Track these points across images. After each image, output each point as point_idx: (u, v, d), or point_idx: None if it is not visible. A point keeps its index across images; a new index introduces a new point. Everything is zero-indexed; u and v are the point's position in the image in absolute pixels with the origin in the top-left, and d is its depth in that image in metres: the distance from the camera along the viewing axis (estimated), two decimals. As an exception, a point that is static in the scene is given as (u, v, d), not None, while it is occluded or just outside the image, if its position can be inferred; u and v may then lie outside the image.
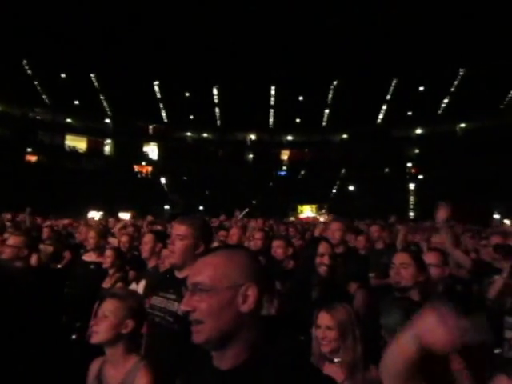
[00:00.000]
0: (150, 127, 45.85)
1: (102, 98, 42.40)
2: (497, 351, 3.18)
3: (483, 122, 37.66)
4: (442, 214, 3.90)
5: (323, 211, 33.44)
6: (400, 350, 1.11)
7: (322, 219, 23.25)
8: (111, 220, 10.73)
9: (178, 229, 2.26)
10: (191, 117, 45.43)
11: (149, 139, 45.92)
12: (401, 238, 4.96)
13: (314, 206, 35.63)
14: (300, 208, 35.81)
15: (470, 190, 29.82)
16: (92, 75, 40.72)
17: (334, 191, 40.45)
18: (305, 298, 2.77)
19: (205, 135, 47.69)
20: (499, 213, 26.61)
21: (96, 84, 41.38)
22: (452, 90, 40.28)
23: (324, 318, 2.11)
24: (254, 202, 37.25)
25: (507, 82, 36.60)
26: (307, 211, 35.11)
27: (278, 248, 4.04)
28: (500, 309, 3.40)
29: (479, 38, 32.64)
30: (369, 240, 5.11)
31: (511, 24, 30.89)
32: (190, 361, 1.27)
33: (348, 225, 4.28)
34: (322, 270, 2.83)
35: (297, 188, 38.16)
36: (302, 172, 43.87)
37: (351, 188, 38.92)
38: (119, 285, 3.78)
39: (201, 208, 26.37)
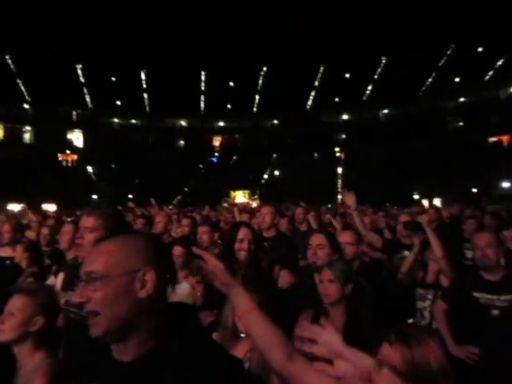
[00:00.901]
0: (74, 113, 43.60)
1: (18, 81, 39.56)
2: (410, 321, 3.43)
3: (404, 108, 39.89)
4: (349, 200, 4.16)
5: (256, 196, 33.78)
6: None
7: (254, 204, 23.46)
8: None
9: (87, 221, 2.15)
10: (118, 102, 43.73)
11: (73, 126, 43.67)
12: (313, 220, 5.16)
13: (246, 192, 35.86)
14: (233, 194, 35.90)
15: (392, 173, 31.56)
16: (7, 57, 37.92)
17: (266, 176, 41.00)
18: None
19: (133, 121, 46.14)
20: (419, 194, 28.48)
21: (12, 66, 38.60)
22: (375, 77, 42.13)
23: None
24: (186, 189, 36.84)
25: (425, 70, 39.02)
26: (240, 197, 35.27)
27: (203, 234, 4.03)
28: (412, 282, 3.66)
29: (400, 29, 34.42)
30: (291, 222, 5.23)
31: (430, 17, 32.92)
32: (91, 356, 1.20)
33: (278, 209, 4.35)
34: (241, 255, 2.85)
35: (229, 174, 38.19)
36: (234, 158, 43.96)
37: (282, 173, 39.61)
38: (29, 279, 3.57)
39: (130, 197, 25.51)
